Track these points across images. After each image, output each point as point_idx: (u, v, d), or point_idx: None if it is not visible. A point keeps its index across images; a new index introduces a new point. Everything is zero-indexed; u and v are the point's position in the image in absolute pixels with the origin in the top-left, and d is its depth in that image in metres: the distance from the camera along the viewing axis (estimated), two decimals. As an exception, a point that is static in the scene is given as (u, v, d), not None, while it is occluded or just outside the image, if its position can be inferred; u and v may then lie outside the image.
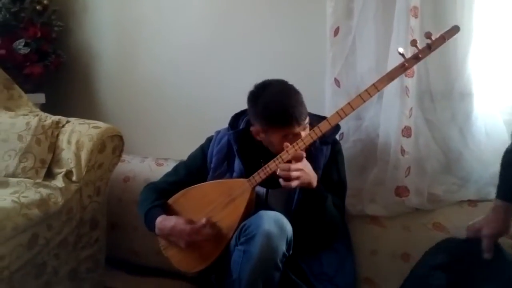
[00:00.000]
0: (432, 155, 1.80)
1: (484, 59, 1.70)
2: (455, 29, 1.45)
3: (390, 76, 1.49)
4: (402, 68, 1.48)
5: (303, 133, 1.58)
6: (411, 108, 1.72)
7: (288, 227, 1.45)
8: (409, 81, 1.70)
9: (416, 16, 1.68)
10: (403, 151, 1.73)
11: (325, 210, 1.57)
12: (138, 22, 2.58)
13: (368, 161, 1.87)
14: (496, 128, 1.71)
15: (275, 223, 1.42)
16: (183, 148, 1.93)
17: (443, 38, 1.45)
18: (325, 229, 1.62)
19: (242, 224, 1.49)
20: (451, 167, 1.81)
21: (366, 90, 1.49)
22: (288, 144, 1.52)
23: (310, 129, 1.60)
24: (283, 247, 1.41)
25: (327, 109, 1.91)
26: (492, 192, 1.70)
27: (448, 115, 1.78)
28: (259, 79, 1.75)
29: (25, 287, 1.73)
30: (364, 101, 1.50)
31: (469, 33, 1.69)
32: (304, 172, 1.48)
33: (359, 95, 1.50)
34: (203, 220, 1.58)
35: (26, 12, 2.55)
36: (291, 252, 1.47)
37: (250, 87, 1.74)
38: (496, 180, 1.70)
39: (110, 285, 2.14)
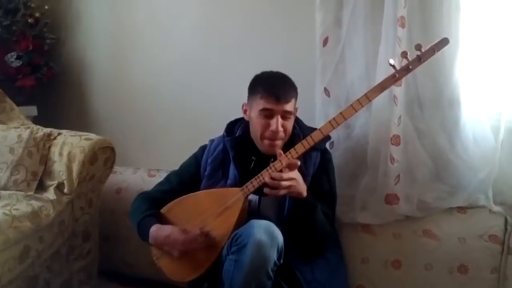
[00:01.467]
0: (421, 163, 1.81)
1: (471, 66, 1.72)
2: (445, 41, 1.48)
3: (382, 86, 1.52)
4: (393, 79, 1.51)
5: (280, 120, 1.61)
6: (400, 116, 1.74)
7: (279, 236, 1.45)
8: (398, 90, 1.72)
9: (403, 26, 1.70)
10: (392, 159, 1.74)
11: (315, 219, 1.58)
12: (130, 34, 2.60)
13: (359, 169, 1.88)
14: (483, 134, 1.72)
15: (265, 232, 1.42)
16: (176, 159, 1.93)
17: (433, 50, 1.48)
18: (315, 238, 1.63)
19: (233, 234, 1.49)
20: (440, 174, 1.83)
21: (358, 100, 1.51)
22: (281, 152, 1.53)
23: (301, 138, 1.62)
24: (274, 256, 1.41)
25: (317, 119, 1.93)
26: (480, 199, 1.73)
27: (437, 123, 1.80)
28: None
29: (18, 299, 1.73)
30: (356, 111, 1.52)
31: (456, 42, 1.70)
32: (296, 181, 1.50)
33: (351, 105, 1.52)
34: (198, 230, 1.58)
35: (18, 25, 2.57)
36: (282, 261, 1.47)
37: (242, 97, 1.76)
38: (484, 187, 1.73)
39: (103, 297, 2.14)
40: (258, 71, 1.75)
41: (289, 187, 1.47)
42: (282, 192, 1.47)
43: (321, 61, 1.89)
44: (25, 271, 1.73)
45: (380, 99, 1.75)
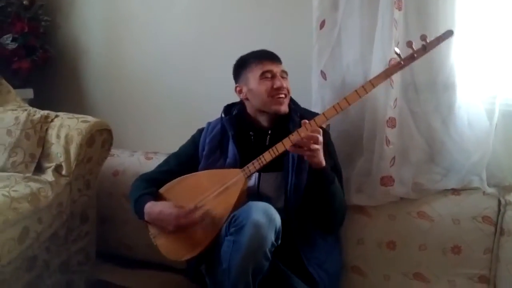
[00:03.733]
0: (416, 145, 1.83)
1: (466, 50, 1.73)
2: (449, 33, 1.50)
3: (386, 74, 1.54)
4: (398, 67, 1.53)
5: (282, 81, 1.68)
6: (396, 99, 1.75)
7: (277, 218, 1.47)
8: (394, 73, 1.73)
9: (400, 9, 1.71)
10: (388, 142, 1.76)
11: (334, 191, 1.60)
12: (127, 17, 2.59)
13: (354, 152, 1.90)
14: (478, 118, 1.74)
15: (263, 214, 1.44)
16: (172, 142, 1.94)
17: (438, 40, 1.50)
18: (336, 211, 1.65)
19: (231, 215, 1.51)
20: (434, 157, 1.85)
21: (362, 86, 1.53)
22: (306, 120, 1.54)
23: (297, 115, 1.70)
24: (271, 237, 1.43)
25: (314, 102, 1.94)
26: (474, 181, 1.76)
27: (432, 106, 1.81)
28: (246, 72, 1.78)
29: (17, 280, 1.75)
30: (360, 97, 1.54)
31: (451, 26, 1.71)
32: (320, 147, 1.52)
33: (355, 90, 1.53)
34: (192, 205, 1.61)
35: (13, 7, 2.55)
36: (279, 242, 1.49)
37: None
38: (478, 169, 1.75)
39: (101, 278, 2.15)
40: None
41: (315, 150, 1.49)
42: (308, 153, 1.50)
43: (318, 44, 1.89)
44: (24, 252, 1.74)
45: (377, 82, 1.77)
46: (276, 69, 1.70)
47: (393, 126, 1.76)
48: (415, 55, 1.50)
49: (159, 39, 2.50)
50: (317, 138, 1.49)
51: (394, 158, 1.78)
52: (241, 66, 1.77)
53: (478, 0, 1.72)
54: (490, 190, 1.74)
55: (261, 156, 1.60)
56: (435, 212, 1.76)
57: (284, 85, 1.69)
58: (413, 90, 1.83)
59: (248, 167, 1.63)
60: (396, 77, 1.73)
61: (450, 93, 1.77)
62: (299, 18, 2.05)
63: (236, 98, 1.83)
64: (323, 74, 1.90)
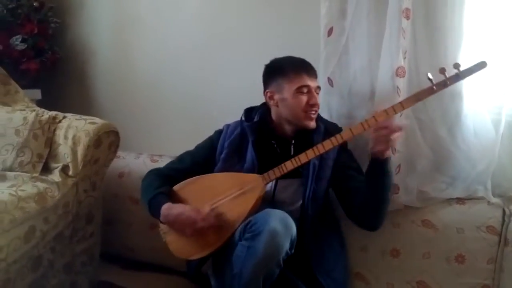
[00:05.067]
0: (422, 154, 1.83)
1: (473, 60, 1.73)
2: (483, 65, 1.51)
3: (417, 97, 1.56)
4: (430, 92, 1.54)
5: (316, 97, 1.69)
6: (402, 108, 1.76)
7: (293, 227, 1.47)
8: (400, 81, 1.73)
9: (408, 18, 1.71)
10: (393, 150, 1.76)
11: (389, 184, 1.61)
12: (135, 20, 2.60)
13: (360, 159, 1.90)
14: (484, 127, 1.74)
15: (280, 222, 1.44)
16: (178, 145, 1.95)
17: (471, 71, 1.52)
18: (386, 205, 1.66)
19: (248, 220, 1.51)
20: (440, 165, 1.85)
21: (392, 106, 1.54)
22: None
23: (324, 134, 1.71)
24: (287, 246, 1.44)
25: (320, 108, 1.94)
26: (479, 190, 1.76)
27: (438, 114, 1.81)
28: (253, 78, 1.80)
29: (22, 279, 1.75)
30: (389, 115, 1.55)
31: (459, 35, 1.72)
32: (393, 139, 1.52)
33: (385, 110, 1.54)
34: (208, 208, 1.61)
35: (23, 8, 2.57)
36: (293, 251, 1.49)
37: (244, 85, 1.79)
38: (483, 179, 1.75)
39: (104, 279, 2.15)
40: (262, 60, 1.78)
41: (396, 138, 1.52)
42: (383, 139, 1.51)
43: (325, 51, 1.90)
44: (29, 251, 1.75)
45: (383, 90, 1.78)
46: (312, 84, 1.70)
47: (399, 134, 1.76)
48: (448, 82, 1.51)
49: (167, 42, 2.51)
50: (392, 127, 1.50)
51: (399, 166, 1.79)
52: (277, 73, 1.75)
53: (486, 11, 1.73)
54: (495, 200, 1.74)
55: (282, 165, 1.61)
56: (439, 220, 1.77)
57: (318, 102, 1.71)
58: (420, 98, 1.84)
59: (268, 174, 1.63)
60: (403, 85, 1.74)
61: (456, 102, 1.78)
62: (307, 25, 2.05)
63: (243, 102, 1.83)
64: (330, 81, 1.91)
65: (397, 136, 1.51)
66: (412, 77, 1.80)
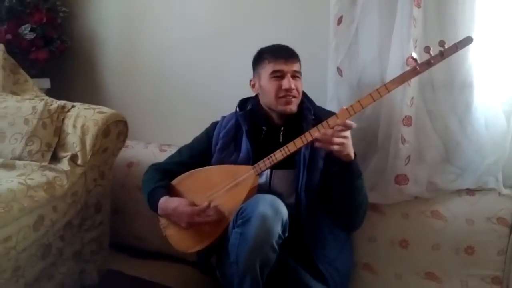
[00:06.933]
0: (432, 145, 1.82)
1: (485, 51, 1.71)
2: (468, 40, 1.48)
3: (402, 78, 1.52)
4: (414, 72, 1.51)
5: (292, 82, 1.65)
6: (412, 98, 1.74)
7: (284, 210, 1.47)
8: (411, 71, 1.72)
9: (419, 6, 1.69)
10: (403, 140, 1.75)
11: (360, 185, 1.59)
12: (143, 9, 2.59)
13: (369, 150, 1.89)
14: (495, 119, 1.72)
15: (270, 206, 1.45)
16: (186, 134, 1.95)
17: (456, 47, 1.48)
18: (359, 206, 1.63)
19: (239, 208, 1.52)
20: (450, 156, 1.83)
21: (377, 90, 1.51)
22: (344, 107, 1.52)
23: (311, 112, 1.69)
24: (278, 229, 1.44)
25: (329, 98, 1.93)
26: (490, 182, 1.74)
27: (449, 106, 1.80)
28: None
29: (31, 267, 1.77)
30: (374, 100, 1.52)
31: (470, 25, 1.70)
32: (348, 140, 1.49)
33: (370, 94, 1.51)
34: (205, 204, 1.62)
35: (32, -3, 2.57)
36: (287, 234, 1.49)
37: (251, 75, 1.78)
38: (493, 170, 1.73)
39: (113, 267, 2.17)
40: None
41: (341, 143, 1.47)
42: (335, 147, 1.46)
43: (335, 40, 1.88)
44: (39, 240, 1.76)
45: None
46: (287, 68, 1.67)
47: (409, 124, 1.75)
48: (432, 61, 1.48)
49: (175, 32, 2.50)
50: (340, 134, 1.46)
51: (409, 156, 1.77)
52: (257, 61, 1.77)
53: (498, 0, 1.70)
54: (505, 191, 1.73)
55: (272, 155, 1.60)
56: (449, 212, 1.76)
57: (293, 86, 1.66)
58: (430, 89, 1.82)
59: (259, 164, 1.63)
60: (414, 75, 1.73)
61: (467, 93, 1.76)
62: (317, 13, 2.04)
63: (250, 93, 1.83)
64: (339, 71, 1.89)
65: (341, 142, 1.46)
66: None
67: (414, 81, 1.72)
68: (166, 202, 1.71)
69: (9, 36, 2.50)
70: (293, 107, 1.69)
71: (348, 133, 1.49)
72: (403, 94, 1.74)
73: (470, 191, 1.78)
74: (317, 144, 1.49)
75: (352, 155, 1.52)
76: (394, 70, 1.74)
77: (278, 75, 1.67)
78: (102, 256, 2.14)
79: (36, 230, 1.73)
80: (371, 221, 1.83)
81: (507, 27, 1.70)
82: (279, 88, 1.66)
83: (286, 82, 1.65)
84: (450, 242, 1.74)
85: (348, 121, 1.47)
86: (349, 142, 1.49)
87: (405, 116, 1.74)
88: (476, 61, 1.73)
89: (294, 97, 1.68)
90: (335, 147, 1.46)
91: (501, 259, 1.69)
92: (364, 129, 1.90)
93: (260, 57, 1.75)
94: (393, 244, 1.83)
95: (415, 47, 1.70)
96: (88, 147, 1.93)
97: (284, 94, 1.66)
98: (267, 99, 1.71)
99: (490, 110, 1.74)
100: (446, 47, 1.46)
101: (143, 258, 2.28)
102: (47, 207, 1.78)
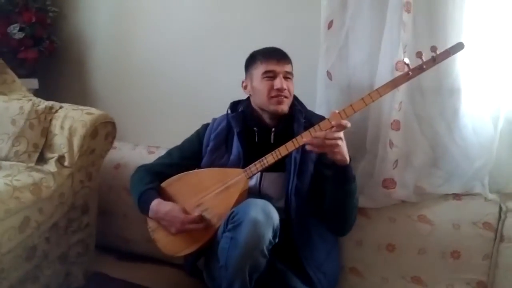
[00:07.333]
0: (420, 149, 1.83)
1: (473, 57, 1.72)
2: (460, 46, 1.49)
3: (394, 83, 1.53)
4: (406, 77, 1.52)
5: (284, 82, 1.66)
6: (401, 102, 1.75)
7: (275, 216, 1.47)
8: (400, 75, 1.72)
9: (408, 11, 1.70)
10: (391, 144, 1.76)
11: (354, 189, 1.57)
12: (134, 10, 2.59)
13: (357, 153, 1.89)
14: (482, 124, 1.73)
15: (262, 211, 1.44)
16: (175, 136, 1.94)
17: (448, 53, 1.49)
18: (351, 211, 1.62)
19: (230, 212, 1.51)
20: (437, 161, 1.85)
21: (369, 95, 1.51)
22: (335, 111, 1.50)
23: (303, 115, 1.70)
24: (269, 235, 1.43)
25: (318, 102, 1.93)
26: (476, 187, 1.75)
27: (437, 111, 1.81)
28: (251, 70, 1.77)
29: (16, 269, 1.75)
30: (366, 105, 1.52)
31: (459, 31, 1.71)
32: (342, 142, 1.47)
33: (362, 98, 1.51)
34: (196, 213, 1.61)
35: (21, -4, 2.55)
36: (277, 240, 1.49)
37: (242, 77, 1.78)
38: (480, 175, 1.75)
39: (99, 270, 2.16)
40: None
41: (335, 145, 1.44)
42: (328, 149, 1.45)
43: (325, 44, 1.88)
44: (24, 241, 1.74)
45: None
46: (279, 69, 1.68)
47: (398, 128, 1.75)
48: (424, 66, 1.49)
49: (165, 33, 2.50)
50: (334, 136, 1.44)
51: (397, 161, 1.78)
52: (249, 62, 1.77)
53: (487, 7, 1.71)
54: (491, 196, 1.74)
55: (263, 158, 1.60)
56: (435, 216, 1.77)
57: (285, 86, 1.67)
58: (419, 93, 1.83)
59: (250, 168, 1.63)
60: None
61: (455, 98, 1.77)
62: (308, 17, 2.04)
63: (241, 96, 1.83)
64: (329, 75, 1.90)
65: (334, 144, 1.44)
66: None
67: (403, 85, 1.73)
68: (158, 205, 1.69)
69: (-3, 36, 2.48)
70: (285, 107, 1.69)
71: (341, 135, 1.47)
72: (392, 98, 1.75)
73: (456, 196, 1.79)
74: (309, 147, 1.48)
75: (348, 159, 1.50)
76: (384, 74, 1.75)
77: (270, 75, 1.68)
78: (89, 259, 2.12)
79: (21, 232, 1.71)
80: (358, 224, 1.81)
81: (494, 33, 1.71)
82: (271, 88, 1.67)
83: (278, 82, 1.66)
84: (436, 246, 1.75)
85: (344, 121, 1.45)
86: (343, 145, 1.47)
87: (394, 121, 1.75)
88: (465, 67, 1.74)
89: (286, 97, 1.68)
90: (328, 150, 1.46)
91: (486, 263, 1.70)
92: (352, 133, 1.90)
93: (253, 59, 1.75)
94: (379, 248, 1.83)
95: (405, 52, 1.71)
96: (75, 148, 1.91)
97: (276, 94, 1.67)
98: (259, 100, 1.71)
99: (477, 115, 1.75)
100: (438, 53, 1.47)
101: (130, 261, 2.26)
102: (33, 209, 1.76)
